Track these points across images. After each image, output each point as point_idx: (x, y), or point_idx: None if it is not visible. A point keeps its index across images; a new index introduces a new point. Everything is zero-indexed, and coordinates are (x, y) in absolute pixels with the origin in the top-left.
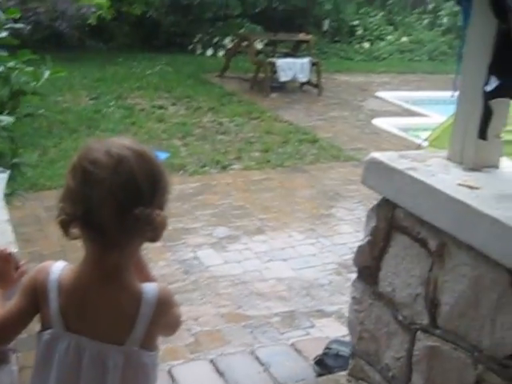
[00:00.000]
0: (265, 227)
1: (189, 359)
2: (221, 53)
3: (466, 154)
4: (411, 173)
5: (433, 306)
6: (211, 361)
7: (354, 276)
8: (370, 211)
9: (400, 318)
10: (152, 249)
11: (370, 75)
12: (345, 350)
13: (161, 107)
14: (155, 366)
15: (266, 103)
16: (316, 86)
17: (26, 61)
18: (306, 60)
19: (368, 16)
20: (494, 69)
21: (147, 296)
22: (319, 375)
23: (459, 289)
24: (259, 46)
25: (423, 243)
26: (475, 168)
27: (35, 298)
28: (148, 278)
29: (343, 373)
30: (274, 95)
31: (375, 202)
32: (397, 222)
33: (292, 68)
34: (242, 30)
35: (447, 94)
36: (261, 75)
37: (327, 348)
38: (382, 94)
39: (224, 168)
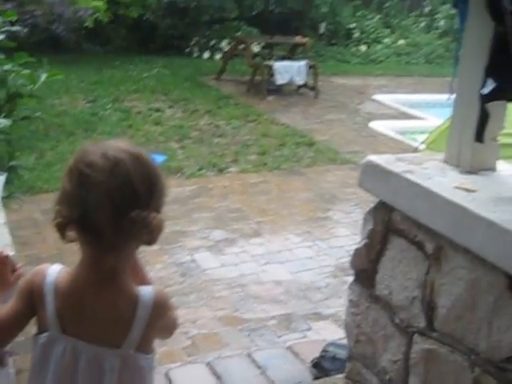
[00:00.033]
0: (262, 230)
1: (186, 362)
2: (218, 56)
3: (462, 156)
4: (408, 176)
5: (429, 308)
6: (208, 364)
7: (350, 279)
8: (367, 214)
9: (397, 320)
10: (149, 252)
11: (367, 78)
12: (342, 353)
13: (158, 110)
14: (152, 368)
15: (263, 106)
16: (313, 88)
17: (22, 63)
18: (302, 63)
19: (365, 19)
20: (491, 71)
21: (143, 299)
22: (316, 378)
23: (456, 292)
24: (256, 48)
25: (420, 246)
26: (472, 171)
27: (32, 301)
28: (144, 281)
29: (340, 376)
30: (270, 98)
31: (372, 205)
32: (393, 225)
33: (289, 71)
34: (238, 33)
35: (444, 96)
36: (257, 78)
37: (324, 351)
38: (378, 96)
39: (221, 171)
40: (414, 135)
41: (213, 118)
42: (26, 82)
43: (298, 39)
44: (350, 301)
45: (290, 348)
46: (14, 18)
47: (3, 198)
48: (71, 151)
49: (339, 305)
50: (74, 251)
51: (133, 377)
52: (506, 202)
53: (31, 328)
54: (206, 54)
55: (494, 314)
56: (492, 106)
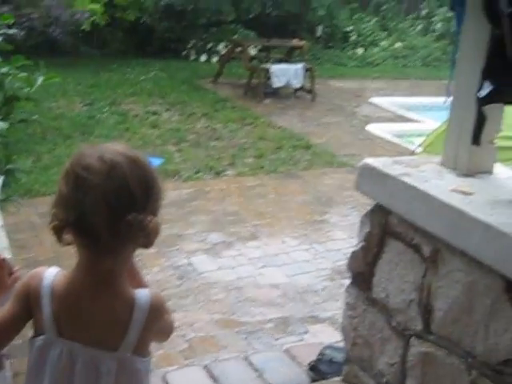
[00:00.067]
0: (258, 233)
1: (183, 365)
2: (215, 59)
3: (459, 159)
4: (405, 179)
5: (426, 311)
6: (205, 367)
7: (347, 282)
8: (364, 217)
9: (394, 323)
10: (146, 255)
11: (364, 81)
12: (339, 356)
13: (155, 113)
14: (148, 371)
15: (260, 109)
16: (310, 91)
17: (19, 66)
18: (299, 66)
19: (361, 22)
20: (488, 74)
21: (140, 302)
22: (313, 381)
23: (453, 295)
24: (253, 51)
25: (417, 249)
26: (469, 174)
27: (28, 304)
28: (141, 285)
29: (337, 378)
30: (267, 101)
31: (369, 208)
32: (390, 228)
33: (286, 74)
34: (235, 36)
35: (441, 99)
36: (254, 81)
37: (321, 354)
38: (375, 99)
39: (218, 174)
40: (411, 138)
41: (210, 121)
42: (22, 84)
43: (295, 42)
44: (347, 304)
45: (287, 351)
46: (11, 21)
47: (0, 200)
48: (68, 154)
49: (336, 308)
50: (71, 254)
51: (129, 380)
52: (503, 204)
53: (28, 331)
54: (203, 57)
55: (490, 317)
56: (489, 109)
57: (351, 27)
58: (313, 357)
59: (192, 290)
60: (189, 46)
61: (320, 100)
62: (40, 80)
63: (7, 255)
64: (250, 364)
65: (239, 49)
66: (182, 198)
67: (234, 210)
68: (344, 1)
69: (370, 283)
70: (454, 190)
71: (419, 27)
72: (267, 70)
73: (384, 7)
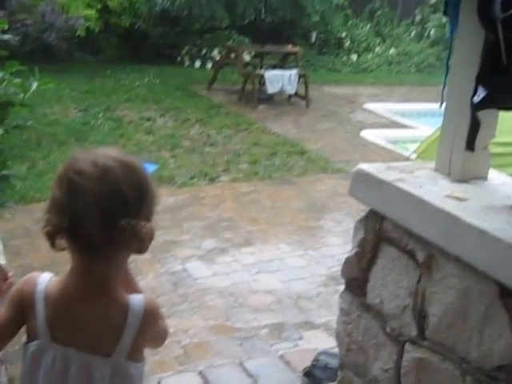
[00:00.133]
0: (253, 239)
1: (178, 371)
2: (209, 65)
3: (453, 165)
4: (399, 184)
5: (421, 317)
6: (200, 373)
7: (342, 288)
8: (358, 223)
9: (388, 329)
10: (141, 261)
11: (358, 87)
12: (333, 362)
13: (149, 119)
14: (142, 377)
15: (254, 115)
16: (304, 97)
17: (14, 72)
18: (293, 72)
19: (356, 28)
20: (482, 79)
21: (134, 307)
22: None
23: (447, 300)
24: (247, 57)
25: (411, 255)
26: (463, 179)
27: (22, 309)
28: (135, 291)
29: None
30: (261, 107)
31: (363, 214)
32: (385, 234)
33: (280, 80)
34: (230, 42)
35: (435, 105)
36: (249, 87)
37: (316, 360)
38: (369, 105)
39: (212, 180)
40: (406, 144)
41: (204, 127)
42: (17, 90)
43: (290, 48)
44: (341, 309)
45: (281, 357)
46: (5, 27)
47: None
48: (63, 160)
49: (331, 314)
50: (67, 260)
51: None
52: (497, 210)
53: (24, 337)
54: (198, 63)
55: (485, 323)
56: (483, 115)
57: (345, 33)
58: (307, 363)
59: (187, 296)
60: (183, 52)
61: (314, 106)
62: (34, 85)
63: (2, 261)
64: (245, 370)
65: (233, 55)
66: (177, 204)
67: (229, 216)
68: (338, 7)
69: (364, 289)
70: (448, 196)
71: (413, 33)
72: (261, 76)
73: (378, 13)
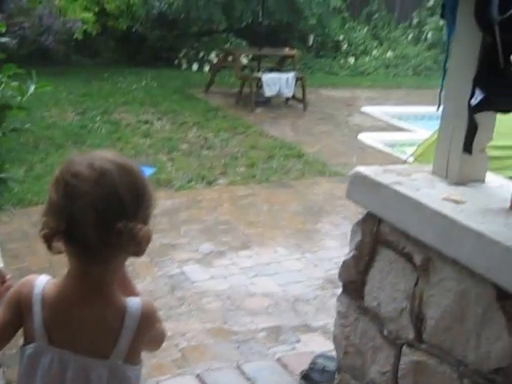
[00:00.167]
0: (250, 242)
1: (175, 374)
2: (206, 68)
3: (451, 168)
4: (396, 187)
5: (418, 320)
6: (198, 376)
7: (339, 291)
8: (355, 225)
9: (385, 332)
10: (139, 264)
11: (355, 90)
12: (330, 365)
13: (146, 122)
14: (139, 379)
15: (252, 118)
16: (301, 100)
17: (11, 75)
18: (291, 75)
19: (353, 31)
20: (479, 82)
21: (131, 310)
22: None
23: (444, 303)
24: (244, 60)
25: (408, 258)
26: (460, 182)
27: (19, 311)
28: (133, 294)
29: None
30: (259, 110)
31: (360, 217)
32: (382, 237)
33: (277, 83)
34: (227, 45)
35: (432, 108)
36: (246, 90)
37: (313, 363)
38: (367, 109)
39: (209, 183)
40: (403, 148)
41: (201, 130)
42: (15, 93)
43: (287, 51)
44: (339, 312)
45: (279, 360)
46: (3, 30)
47: None
48: (60, 163)
49: (328, 317)
50: (65, 263)
51: None
52: (495, 213)
53: (21, 340)
54: (195, 66)
55: (482, 326)
56: (480, 117)
57: (342, 36)
58: (305, 366)
59: (184, 299)
60: (180, 55)
61: (311, 109)
62: (31, 88)
63: (0, 264)
64: (243, 373)
65: (231, 58)
66: (174, 208)
67: (226, 219)
68: (335, 10)
69: (361, 292)
70: (445, 199)
71: (410, 36)
72: (259, 79)
73: (375, 16)
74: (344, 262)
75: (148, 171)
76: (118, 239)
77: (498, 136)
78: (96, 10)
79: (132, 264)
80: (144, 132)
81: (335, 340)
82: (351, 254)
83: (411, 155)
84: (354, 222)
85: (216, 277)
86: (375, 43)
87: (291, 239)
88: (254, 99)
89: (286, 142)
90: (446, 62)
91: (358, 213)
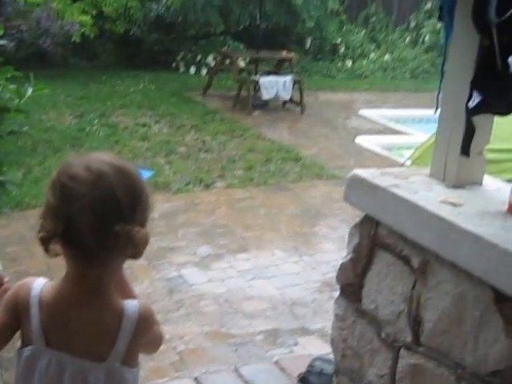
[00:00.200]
0: (248, 245)
1: (173, 377)
2: (204, 71)
3: (448, 170)
4: (394, 190)
5: (416, 323)
6: (195, 379)
7: (337, 294)
8: (353, 228)
9: (383, 335)
10: (137, 267)
11: (353, 93)
12: (328, 368)
13: (144, 125)
14: (136, 382)
15: (249, 121)
16: (299, 104)
17: (9, 78)
18: (288, 78)
19: (350, 34)
20: (477, 84)
21: (128, 312)
22: None
23: (442, 306)
24: (242, 63)
25: (406, 260)
26: (458, 185)
27: (17, 313)
28: (130, 296)
29: None
30: (256, 113)
31: (358, 220)
32: (380, 239)
33: (274, 86)
34: (224, 48)
35: (430, 111)
36: (243, 93)
37: (311, 366)
38: (364, 112)
39: (207, 186)
40: (401, 151)
41: (199, 133)
42: (12, 96)
43: (284, 54)
44: (336, 315)
45: (276, 363)
46: (1, 33)
47: None
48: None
49: (326, 320)
50: (63, 266)
51: None
52: (492, 216)
53: (19, 342)
54: (193, 69)
55: (480, 328)
56: (478, 120)
57: (340, 39)
58: (302, 369)
59: (182, 303)
60: (178, 58)
61: (309, 112)
62: (29, 91)
63: None
64: (240, 376)
65: (228, 61)
66: (172, 211)
67: (224, 222)
68: (333, 13)
69: (359, 295)
70: (443, 202)
71: (408, 39)
72: (256, 82)
73: (373, 19)
74: (341, 265)
75: (146, 174)
76: (116, 242)
77: (495, 139)
78: (94, 13)
79: (130, 267)
80: (142, 135)
81: (333, 343)
82: (349, 257)
83: (409, 158)
84: (352, 224)
85: (214, 280)
86: (373, 46)
87: (289, 242)
88: (251, 102)
89: (283, 145)
90: (443, 64)
91: (355, 216)
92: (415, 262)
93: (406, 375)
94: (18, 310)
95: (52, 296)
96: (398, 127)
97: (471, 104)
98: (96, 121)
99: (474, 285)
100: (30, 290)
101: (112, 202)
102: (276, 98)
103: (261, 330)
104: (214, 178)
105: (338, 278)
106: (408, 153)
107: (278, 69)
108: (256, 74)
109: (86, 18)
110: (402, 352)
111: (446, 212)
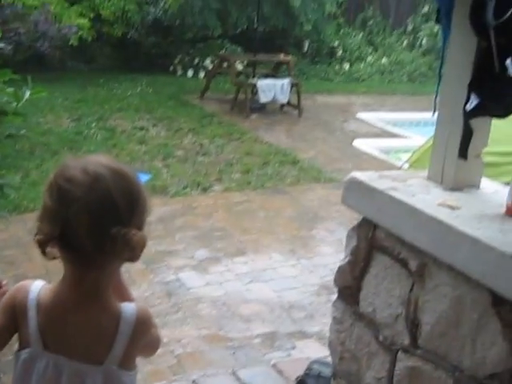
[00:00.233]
0: (246, 249)
1: (171, 380)
2: (201, 74)
3: (446, 173)
4: (391, 193)
5: (413, 326)
6: (193, 382)
7: (334, 297)
8: (351, 231)
9: (381, 338)
10: (134, 271)
11: (351, 96)
12: (326, 371)
13: (142, 129)
14: None
15: (247, 124)
16: (296, 107)
17: (6, 81)
18: (286, 81)
19: (348, 37)
20: (475, 87)
21: (126, 315)
22: None
23: (440, 309)
24: (239, 66)
25: (404, 263)
26: (456, 188)
27: (14, 316)
28: (128, 299)
29: None
30: (254, 116)
31: (356, 223)
32: (377, 242)
33: (272, 89)
34: (222, 51)
35: (427, 115)
36: (241, 96)
37: (308, 369)
38: (362, 115)
39: (205, 190)
40: (398, 154)
41: (197, 136)
42: (10, 99)
43: (282, 57)
44: (334, 318)
45: (274, 366)
46: None
47: None
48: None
49: (323, 323)
50: (61, 270)
51: None
52: (490, 218)
53: (16, 345)
54: (190, 73)
55: (477, 331)
56: (476, 122)
57: (338, 42)
58: (300, 372)
59: (180, 306)
60: (176, 61)
61: (307, 115)
62: (27, 94)
63: None
64: (238, 379)
65: (226, 64)
66: (170, 214)
67: (222, 225)
68: (330, 16)
69: (356, 297)
70: (440, 204)
71: (405, 42)
72: (254, 85)
73: (370, 22)
74: (339, 268)
75: (143, 178)
76: (113, 245)
77: (493, 142)
78: (91, 16)
79: (128, 271)
80: (139, 138)
81: (330, 346)
82: (346, 260)
83: (406, 161)
84: (350, 227)
85: (211, 283)
86: (370, 49)
87: (286, 245)
88: (249, 105)
89: (281, 148)
90: (440, 67)
91: (353, 218)
92: (413, 264)
93: (403, 378)
94: (16, 312)
95: (49, 299)
96: (396, 130)
97: (469, 107)
98: (94, 124)
99: (472, 288)
100: (28, 292)
101: (109, 205)
102: (273, 101)
103: (258, 333)
104: (212, 182)
105: (335, 280)
106: (406, 156)
107: (275, 72)
108: (254, 77)
109: (84, 21)
110: (400, 355)
111: (443, 215)
